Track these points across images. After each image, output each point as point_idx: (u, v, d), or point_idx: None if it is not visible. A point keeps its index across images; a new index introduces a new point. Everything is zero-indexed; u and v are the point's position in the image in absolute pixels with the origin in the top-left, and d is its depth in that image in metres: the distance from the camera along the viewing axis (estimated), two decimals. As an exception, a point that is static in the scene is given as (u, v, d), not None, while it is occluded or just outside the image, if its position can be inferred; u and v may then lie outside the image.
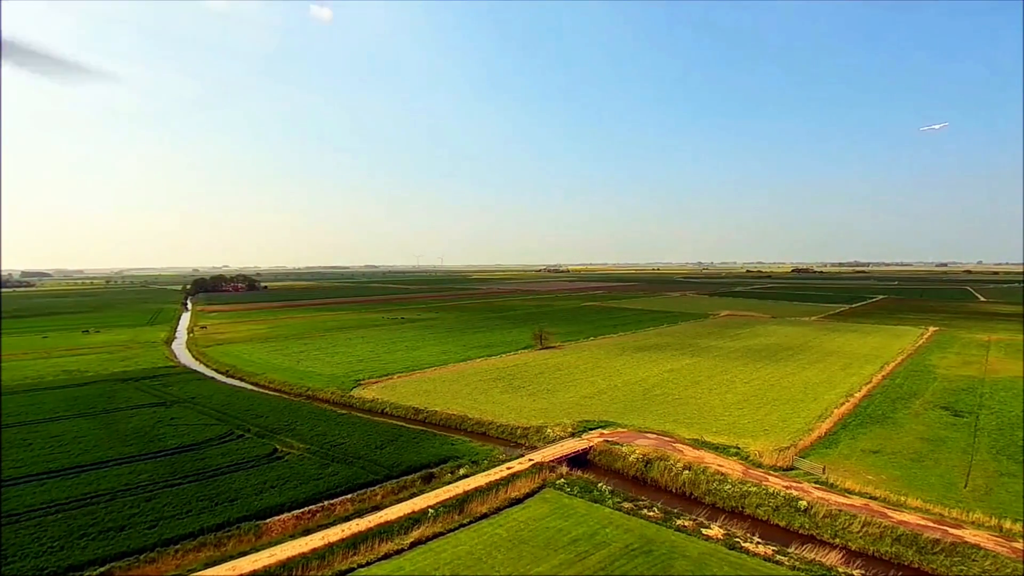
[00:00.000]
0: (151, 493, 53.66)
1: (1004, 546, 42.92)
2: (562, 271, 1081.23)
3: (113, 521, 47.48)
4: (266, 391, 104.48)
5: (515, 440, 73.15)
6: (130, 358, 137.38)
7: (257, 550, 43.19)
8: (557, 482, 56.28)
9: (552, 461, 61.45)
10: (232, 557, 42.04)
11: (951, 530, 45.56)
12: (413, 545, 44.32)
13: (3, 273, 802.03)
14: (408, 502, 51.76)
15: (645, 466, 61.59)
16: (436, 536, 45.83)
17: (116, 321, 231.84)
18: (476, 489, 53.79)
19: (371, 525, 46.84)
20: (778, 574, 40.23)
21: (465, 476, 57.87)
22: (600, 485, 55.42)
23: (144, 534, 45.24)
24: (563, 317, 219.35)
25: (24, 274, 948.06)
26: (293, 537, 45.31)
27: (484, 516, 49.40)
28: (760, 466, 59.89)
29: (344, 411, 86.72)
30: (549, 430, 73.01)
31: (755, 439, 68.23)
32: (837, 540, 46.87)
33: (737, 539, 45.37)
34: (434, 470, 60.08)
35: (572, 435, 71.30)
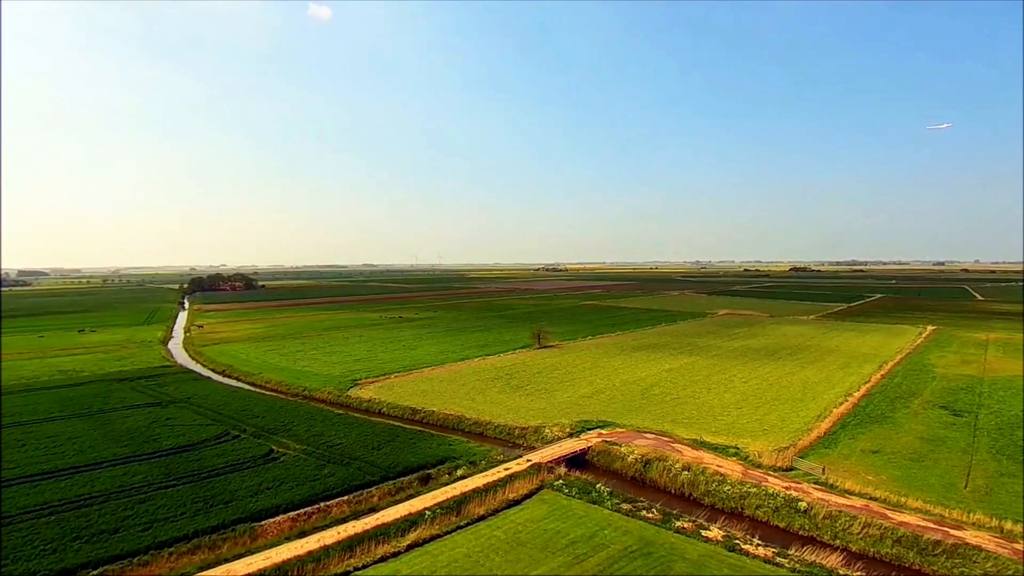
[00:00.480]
0: (145, 495, 53.11)
1: (1005, 547, 42.60)
2: (560, 270, 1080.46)
3: (107, 523, 46.93)
4: (263, 391, 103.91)
5: (513, 440, 72.73)
6: (126, 358, 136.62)
7: (252, 553, 42.70)
8: (555, 483, 55.86)
9: (550, 462, 61.04)
10: (227, 560, 41.53)
11: (952, 531, 45.24)
12: (410, 547, 43.86)
13: (1, 272, 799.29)
14: (405, 503, 51.30)
15: (644, 467, 61.20)
16: (433, 538, 45.37)
17: (112, 320, 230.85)
18: (474, 490, 53.35)
19: (368, 527, 46.37)
20: (778, 576, 39.87)
21: (463, 477, 57.42)
22: (599, 486, 55.02)
23: (138, 536, 44.71)
24: (561, 316, 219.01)
25: (21, 273, 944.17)
26: (289, 539, 44.81)
27: (482, 518, 48.95)
28: (759, 466, 59.56)
29: (341, 411, 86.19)
30: (547, 430, 72.60)
31: (754, 439, 67.90)
32: (837, 542, 46.52)
33: (737, 541, 44.99)
34: (431, 471, 59.63)
35: (570, 435, 70.90)
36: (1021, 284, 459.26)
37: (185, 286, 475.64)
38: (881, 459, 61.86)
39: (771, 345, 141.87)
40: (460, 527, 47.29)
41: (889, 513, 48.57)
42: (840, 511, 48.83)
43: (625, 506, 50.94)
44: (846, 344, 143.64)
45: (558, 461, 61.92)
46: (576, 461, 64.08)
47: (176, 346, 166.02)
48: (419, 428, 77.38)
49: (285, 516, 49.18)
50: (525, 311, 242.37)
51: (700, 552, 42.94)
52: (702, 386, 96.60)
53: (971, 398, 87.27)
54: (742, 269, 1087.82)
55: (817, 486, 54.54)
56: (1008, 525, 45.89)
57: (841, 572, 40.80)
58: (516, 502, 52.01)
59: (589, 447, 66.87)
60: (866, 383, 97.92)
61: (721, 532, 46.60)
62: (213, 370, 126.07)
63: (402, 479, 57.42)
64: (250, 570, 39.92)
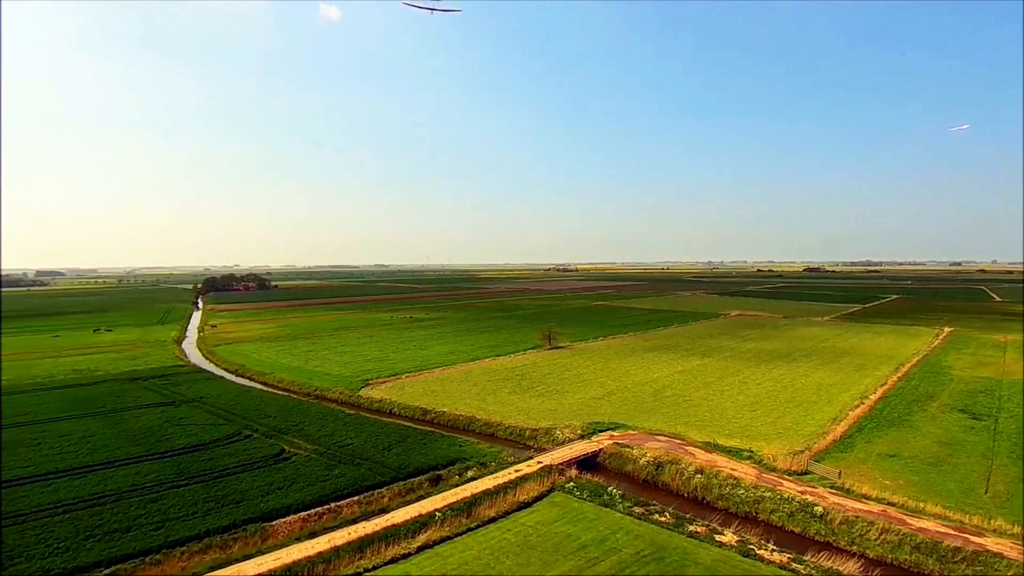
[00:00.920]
0: (157, 494, 53.42)
1: (1028, 555, 41.57)
2: (571, 270, 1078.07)
3: (119, 522, 47.24)
4: (275, 390, 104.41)
5: (523, 442, 72.38)
6: (140, 357, 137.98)
7: (263, 553, 42.75)
8: (566, 485, 55.45)
9: (561, 464, 60.62)
10: (237, 560, 41.62)
11: (972, 538, 44.28)
12: (420, 549, 43.70)
13: (18, 272, 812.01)
14: (415, 505, 51.14)
15: (656, 470, 60.59)
16: (443, 540, 45.16)
17: (127, 320, 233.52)
18: (484, 492, 53.09)
19: (378, 528, 46.27)
20: (794, 583, 39.19)
21: (473, 479, 57.18)
22: (610, 489, 54.50)
23: (150, 536, 44.94)
24: (572, 317, 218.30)
25: (39, 273, 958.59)
26: (299, 540, 44.82)
27: (492, 520, 48.67)
28: (774, 470, 58.77)
29: (352, 411, 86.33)
30: (558, 432, 72.16)
31: (768, 442, 67.04)
32: (854, 547, 45.70)
33: (751, 546, 44.33)
34: (442, 472, 59.45)
35: (581, 437, 70.42)
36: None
37: (199, 286, 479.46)
38: (898, 463, 60.79)
39: (785, 346, 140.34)
40: (470, 529, 47.04)
41: (907, 519, 47.66)
42: (857, 516, 47.99)
43: (637, 509, 50.41)
44: (861, 346, 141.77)
45: (569, 463, 61.47)
46: (587, 463, 63.59)
47: (190, 345, 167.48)
48: (430, 429, 77.30)
49: (296, 516, 49.21)
50: (535, 311, 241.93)
51: (713, 557, 42.34)
52: (715, 388, 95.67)
53: (990, 401, 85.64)
54: (755, 269, 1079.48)
55: (833, 490, 53.68)
56: (1031, 532, 44.83)
57: (858, 579, 40.06)
58: (527, 504, 51.67)
59: (600, 449, 66.35)
60: (882, 385, 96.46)
61: (735, 537, 45.95)
62: (226, 370, 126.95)
63: (413, 480, 57.30)
64: (260, 570, 39.93)
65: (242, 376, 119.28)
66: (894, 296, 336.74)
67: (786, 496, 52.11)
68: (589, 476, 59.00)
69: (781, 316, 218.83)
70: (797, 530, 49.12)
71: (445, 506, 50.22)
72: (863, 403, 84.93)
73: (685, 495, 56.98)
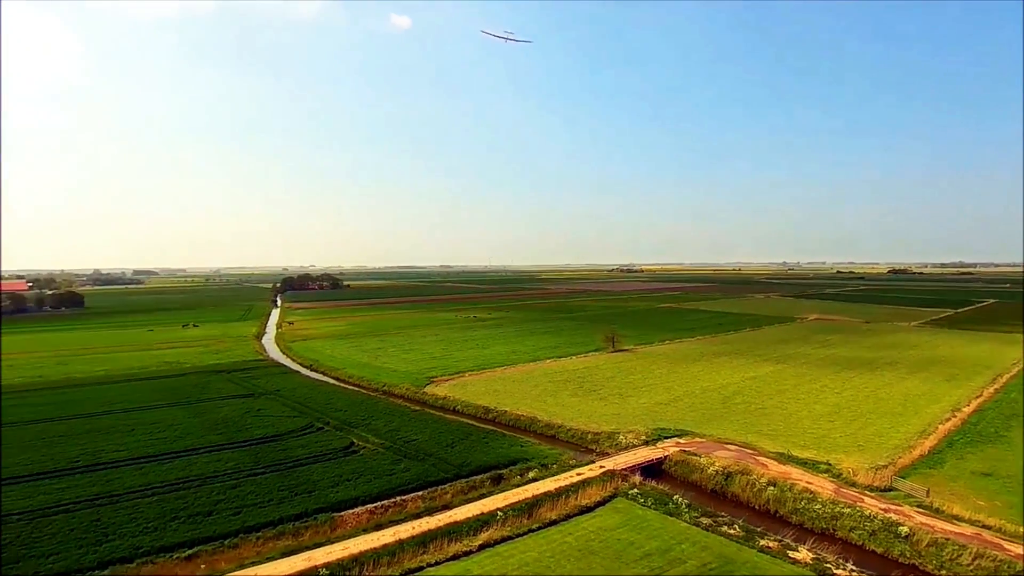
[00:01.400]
0: (236, 481, 56.62)
1: None
2: (635, 271, 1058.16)
3: (201, 506, 50.39)
4: (345, 385, 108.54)
5: (585, 445, 71.55)
6: (223, 351, 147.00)
7: (331, 542, 44.34)
8: (630, 492, 54.29)
9: (624, 469, 59.48)
10: (308, 548, 43.38)
11: (1087, 571, 39.85)
12: (481, 547, 44.00)
13: (117, 272, 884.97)
14: (477, 503, 51.62)
15: (725, 479, 58.34)
16: (504, 540, 45.28)
17: (212, 316, 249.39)
18: (545, 494, 52.87)
19: (440, 524, 47.01)
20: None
21: (534, 480, 57.10)
22: (676, 497, 52.92)
23: (228, 520, 47.65)
24: (636, 319, 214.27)
25: (135, 272, 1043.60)
26: (366, 531, 46.21)
27: (553, 523, 48.34)
28: (854, 485, 55.23)
29: (417, 407, 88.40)
30: (621, 437, 70.86)
31: (848, 455, 63.10)
32: (943, 572, 42.19)
33: (828, 564, 41.80)
34: (503, 471, 59.69)
35: (646, 443, 68.82)
36: None
37: (277, 285, 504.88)
38: (995, 483, 55.70)
39: (867, 353, 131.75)
40: (531, 530, 46.90)
41: (1005, 544, 43.50)
42: (947, 539, 44.27)
43: (704, 520, 48.67)
44: (953, 353, 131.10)
45: (633, 469, 60.21)
46: (651, 470, 62.07)
47: (268, 341, 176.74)
48: (491, 427, 77.89)
49: (363, 508, 50.76)
50: (597, 313, 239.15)
51: (786, 574, 40.24)
52: (789, 396, 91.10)
53: (1110, 420, 76.95)
54: (834, 271, 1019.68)
55: (920, 509, 49.84)
56: None
57: (951, 608, 36.95)
58: (588, 509, 50.99)
59: (666, 456, 64.62)
60: (976, 397, 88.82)
61: (810, 554, 43.48)
62: (301, 364, 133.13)
63: (474, 478, 57.86)
64: (330, 559, 41.43)
65: (315, 371, 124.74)
66: (991, 300, 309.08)
67: (867, 513, 48.83)
68: (654, 483, 57.48)
69: (863, 321, 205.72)
70: (879, 550, 45.91)
71: (507, 506, 50.37)
72: (955, 416, 78.49)
73: (756, 507, 54.49)
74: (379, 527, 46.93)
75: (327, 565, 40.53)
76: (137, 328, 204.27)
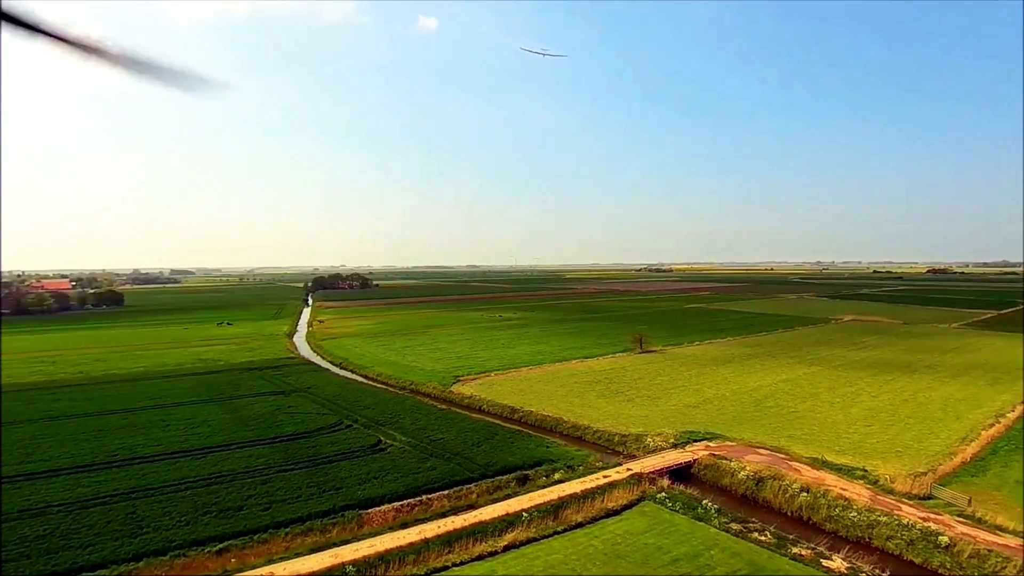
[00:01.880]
0: (266, 476, 57.67)
1: None
2: (664, 270, 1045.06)
3: (232, 501, 51.44)
4: (374, 384, 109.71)
5: (612, 447, 70.81)
6: (255, 349, 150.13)
7: (358, 539, 44.76)
8: (657, 495, 53.46)
9: (652, 472, 58.61)
10: (335, 544, 43.85)
11: None
12: (506, 548, 43.86)
13: (155, 271, 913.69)
14: (503, 503, 51.50)
15: (756, 485, 57.01)
16: (529, 541, 45.05)
17: (245, 315, 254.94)
18: (571, 496, 52.43)
19: (466, 524, 47.03)
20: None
21: (560, 481, 56.72)
22: (705, 502, 51.88)
23: (259, 515, 48.53)
24: (664, 319, 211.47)
25: (173, 272, 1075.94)
26: (392, 529, 46.52)
27: (579, 525, 47.92)
28: (891, 492, 53.36)
29: (444, 406, 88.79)
30: (649, 439, 69.92)
31: (885, 461, 61.04)
32: (988, 586, 40.44)
33: (863, 574, 40.45)
34: (529, 472, 59.48)
35: (674, 446, 67.75)
36: None
37: (309, 284, 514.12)
38: (1045, 494, 53.15)
39: (905, 356, 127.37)
40: (557, 532, 46.57)
41: (1056, 558, 41.46)
42: (990, 550, 42.42)
43: (734, 526, 47.61)
44: (996, 356, 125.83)
45: (660, 472, 59.28)
46: (680, 474, 61.01)
47: (299, 339, 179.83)
48: (517, 427, 77.73)
49: (389, 506, 51.17)
50: (624, 313, 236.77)
51: (820, 583, 39.06)
52: (824, 399, 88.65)
53: None
54: (870, 271, 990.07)
55: (961, 519, 47.85)
56: None
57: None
58: (615, 512, 50.39)
59: (695, 460, 63.50)
60: (1022, 402, 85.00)
61: (845, 564, 42.11)
62: (331, 362, 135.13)
63: (500, 478, 57.78)
64: (356, 556, 41.79)
65: (345, 369, 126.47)
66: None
67: (905, 522, 47.13)
68: (682, 487, 56.44)
69: (901, 322, 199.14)
70: (917, 560, 44.25)
71: (532, 507, 50.11)
72: (999, 421, 75.27)
73: (788, 514, 53.11)
74: (405, 525, 47.20)
75: (354, 562, 40.88)
76: (174, 326, 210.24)
